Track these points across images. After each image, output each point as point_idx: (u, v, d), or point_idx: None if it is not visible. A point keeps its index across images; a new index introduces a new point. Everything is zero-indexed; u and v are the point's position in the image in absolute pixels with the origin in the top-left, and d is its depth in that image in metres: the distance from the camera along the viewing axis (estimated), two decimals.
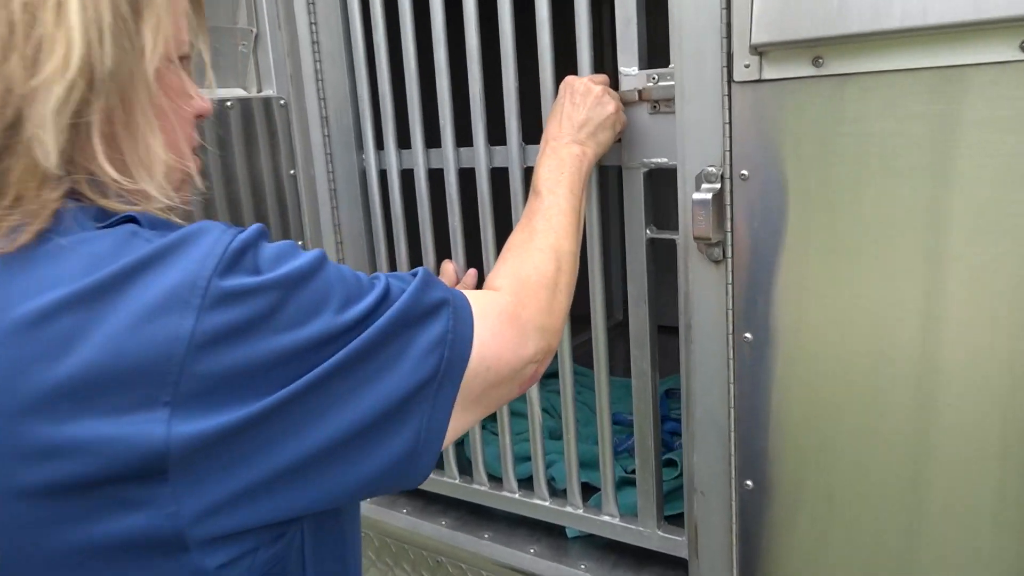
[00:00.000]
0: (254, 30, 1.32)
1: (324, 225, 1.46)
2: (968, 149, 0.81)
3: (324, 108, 1.41)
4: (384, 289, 0.63)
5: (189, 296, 0.53)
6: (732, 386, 1.03)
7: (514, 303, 0.78)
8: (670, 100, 1.05)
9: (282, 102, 1.37)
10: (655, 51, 1.12)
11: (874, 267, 0.89)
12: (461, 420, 0.68)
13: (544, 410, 1.44)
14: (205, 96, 0.72)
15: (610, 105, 1.03)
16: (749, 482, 1.04)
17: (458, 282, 1.34)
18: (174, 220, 0.63)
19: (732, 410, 1.03)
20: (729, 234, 0.98)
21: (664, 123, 1.07)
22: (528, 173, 1.24)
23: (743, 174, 0.96)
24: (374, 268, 1.47)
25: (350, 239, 1.47)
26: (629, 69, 1.08)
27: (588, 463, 1.51)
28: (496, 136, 1.27)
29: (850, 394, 0.94)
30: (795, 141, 0.91)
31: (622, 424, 1.73)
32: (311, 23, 1.38)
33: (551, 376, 1.91)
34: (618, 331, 2.36)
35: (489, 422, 1.71)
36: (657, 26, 1.11)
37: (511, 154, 1.25)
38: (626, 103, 1.09)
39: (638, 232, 1.15)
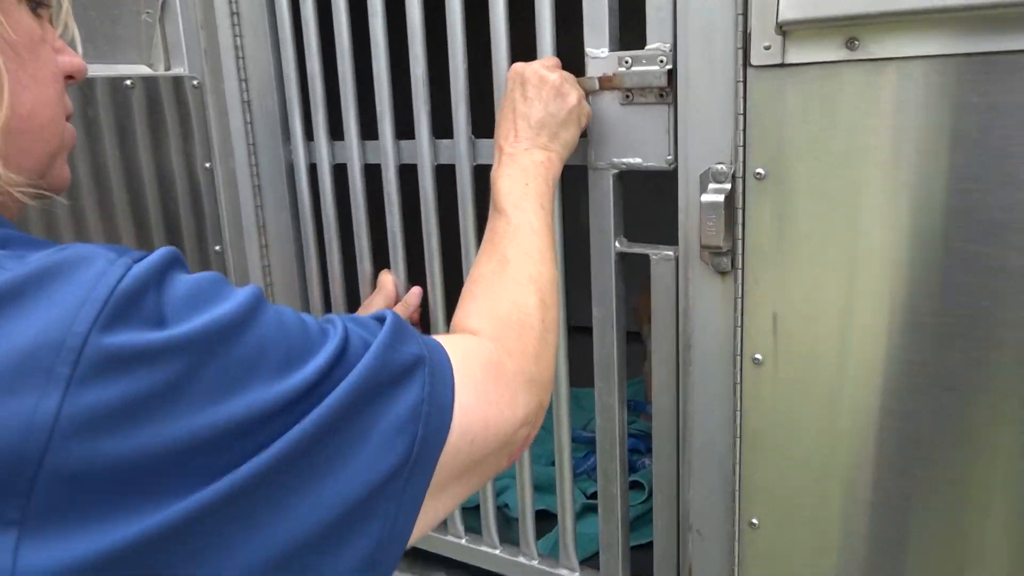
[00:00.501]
0: None
1: (247, 226, 1.26)
2: None
3: (246, 90, 1.21)
4: (341, 342, 0.47)
5: (53, 362, 0.36)
6: (739, 413, 0.90)
7: (498, 351, 0.62)
8: (646, 88, 0.90)
9: (195, 82, 1.16)
10: (630, 28, 0.97)
11: (915, 281, 0.78)
12: (433, 510, 0.53)
13: None
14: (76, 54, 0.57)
15: (571, 96, 0.87)
16: (755, 519, 0.93)
17: (398, 299, 1.16)
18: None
19: (738, 439, 0.91)
20: (740, 242, 0.86)
21: (639, 115, 0.92)
22: (478, 171, 1.08)
23: (759, 173, 0.83)
24: (303, 278, 1.28)
25: (277, 243, 1.28)
26: (598, 51, 0.93)
27: (543, 487, 1.37)
28: (442, 128, 1.09)
29: (877, 421, 0.83)
30: (822, 135, 0.79)
31: (579, 442, 1.60)
32: None
33: None
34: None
35: None
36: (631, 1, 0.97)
37: (459, 149, 1.08)
38: (588, 92, 0.93)
39: (605, 244, 0.99)
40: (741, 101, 0.83)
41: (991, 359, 0.77)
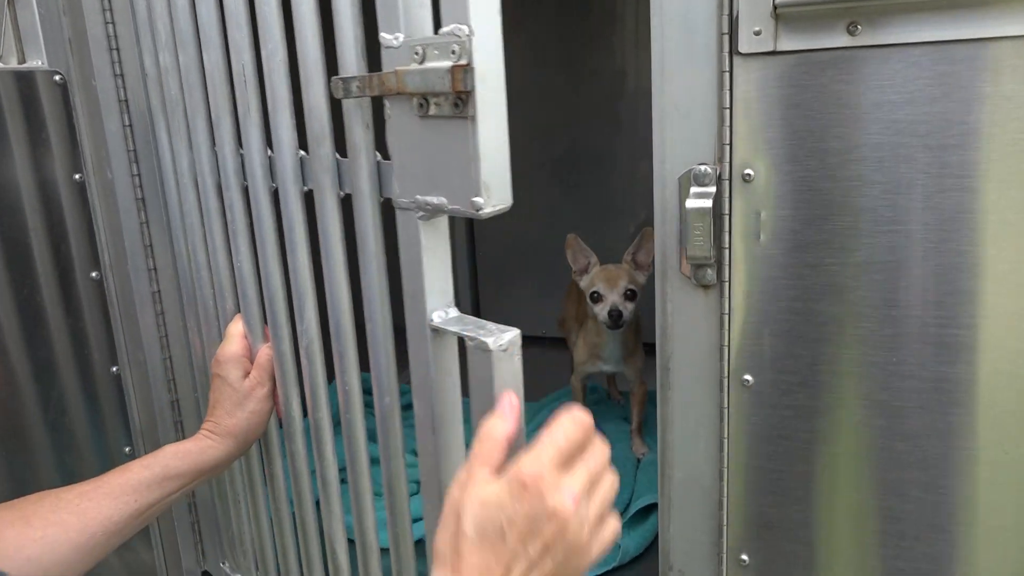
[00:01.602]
0: None
1: (131, 248, 1.07)
2: None
3: (122, 87, 1.02)
4: None
5: None
6: (727, 441, 0.81)
7: None
8: (439, 95, 0.58)
9: (58, 78, 0.96)
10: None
11: (920, 289, 0.71)
12: None
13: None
14: None
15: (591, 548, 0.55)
16: (745, 556, 0.84)
17: (252, 355, 0.94)
18: None
19: (726, 470, 0.82)
20: (727, 251, 0.77)
21: (436, 134, 0.61)
22: (310, 196, 0.82)
23: (747, 174, 0.74)
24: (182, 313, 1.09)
25: (166, 267, 1.09)
26: (391, 36, 0.63)
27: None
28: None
29: (878, 445, 0.76)
30: (818, 131, 0.71)
31: None
32: None
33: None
34: None
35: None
36: None
37: (283, 166, 0.83)
38: (386, 95, 0.64)
39: (419, 314, 0.70)
40: (727, 94, 0.73)
41: (1003, 371, 0.71)
